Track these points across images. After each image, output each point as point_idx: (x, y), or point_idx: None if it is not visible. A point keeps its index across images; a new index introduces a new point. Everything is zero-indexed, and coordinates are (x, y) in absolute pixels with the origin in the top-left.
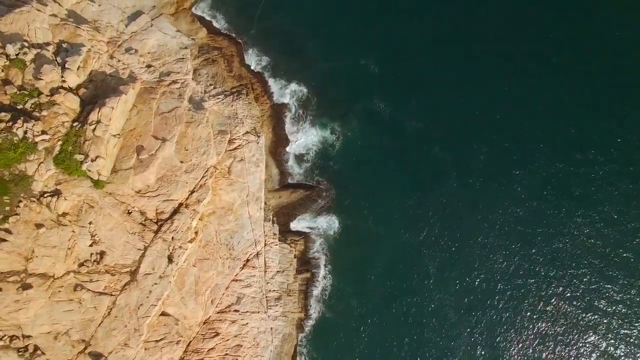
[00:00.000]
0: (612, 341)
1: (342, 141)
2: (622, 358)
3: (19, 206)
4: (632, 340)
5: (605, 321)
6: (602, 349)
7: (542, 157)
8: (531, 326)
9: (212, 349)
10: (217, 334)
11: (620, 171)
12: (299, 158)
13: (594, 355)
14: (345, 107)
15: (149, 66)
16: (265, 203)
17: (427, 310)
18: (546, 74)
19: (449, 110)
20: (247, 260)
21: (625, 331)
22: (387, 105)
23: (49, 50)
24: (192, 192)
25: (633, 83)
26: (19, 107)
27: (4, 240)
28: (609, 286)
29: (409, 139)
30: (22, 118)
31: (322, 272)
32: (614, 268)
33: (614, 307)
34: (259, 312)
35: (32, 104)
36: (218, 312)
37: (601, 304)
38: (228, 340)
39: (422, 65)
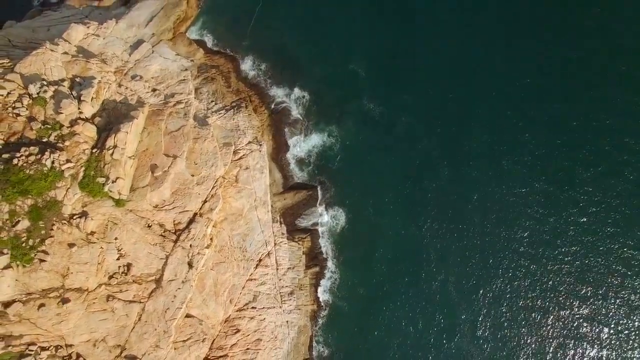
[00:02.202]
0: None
1: (339, 142)
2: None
3: (52, 229)
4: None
5: (605, 303)
6: (605, 334)
7: (527, 143)
8: (527, 303)
9: (234, 344)
10: (238, 331)
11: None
12: (300, 161)
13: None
14: (339, 110)
15: (154, 90)
16: (271, 206)
17: (430, 292)
18: (527, 61)
19: (434, 104)
20: (260, 260)
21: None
22: (377, 105)
23: (64, 86)
24: (205, 202)
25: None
26: (44, 140)
27: (43, 260)
28: (607, 265)
29: (400, 134)
30: (48, 150)
31: (329, 265)
32: (611, 251)
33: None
34: (274, 308)
35: (56, 136)
36: (237, 310)
37: (601, 286)
38: (248, 335)
39: (405, 64)
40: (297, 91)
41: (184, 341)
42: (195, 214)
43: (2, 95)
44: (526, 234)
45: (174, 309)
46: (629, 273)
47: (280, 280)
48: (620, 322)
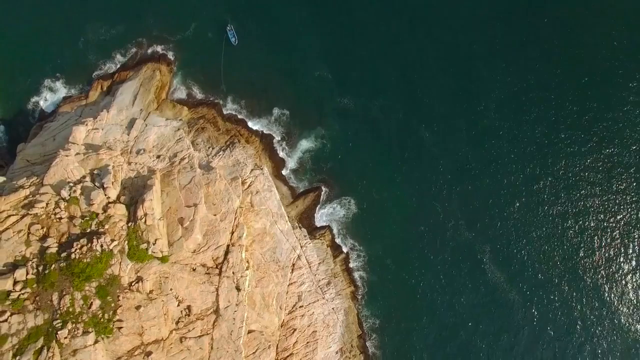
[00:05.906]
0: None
1: (328, 141)
2: None
3: (119, 299)
4: None
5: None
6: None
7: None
8: (531, 221)
9: (295, 342)
10: (295, 330)
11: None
12: (298, 170)
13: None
14: (319, 113)
15: (158, 156)
16: (288, 216)
17: (446, 239)
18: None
19: (398, 82)
20: (293, 265)
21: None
22: (350, 98)
23: (87, 181)
24: (232, 232)
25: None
26: (88, 231)
27: (120, 327)
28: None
29: (378, 115)
30: (94, 237)
31: (353, 248)
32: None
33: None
34: (318, 300)
35: (95, 224)
36: (288, 313)
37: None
38: (304, 331)
39: (362, 56)
40: (276, 111)
41: (254, 353)
42: (228, 246)
43: (43, 207)
44: (514, 169)
45: (237, 329)
46: None
47: (315, 275)
48: None
